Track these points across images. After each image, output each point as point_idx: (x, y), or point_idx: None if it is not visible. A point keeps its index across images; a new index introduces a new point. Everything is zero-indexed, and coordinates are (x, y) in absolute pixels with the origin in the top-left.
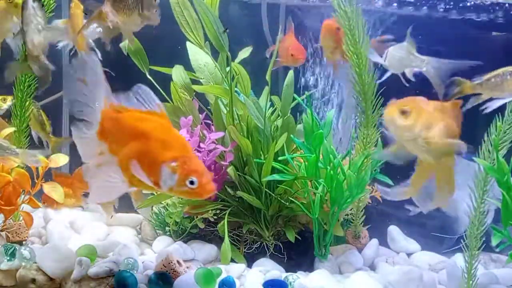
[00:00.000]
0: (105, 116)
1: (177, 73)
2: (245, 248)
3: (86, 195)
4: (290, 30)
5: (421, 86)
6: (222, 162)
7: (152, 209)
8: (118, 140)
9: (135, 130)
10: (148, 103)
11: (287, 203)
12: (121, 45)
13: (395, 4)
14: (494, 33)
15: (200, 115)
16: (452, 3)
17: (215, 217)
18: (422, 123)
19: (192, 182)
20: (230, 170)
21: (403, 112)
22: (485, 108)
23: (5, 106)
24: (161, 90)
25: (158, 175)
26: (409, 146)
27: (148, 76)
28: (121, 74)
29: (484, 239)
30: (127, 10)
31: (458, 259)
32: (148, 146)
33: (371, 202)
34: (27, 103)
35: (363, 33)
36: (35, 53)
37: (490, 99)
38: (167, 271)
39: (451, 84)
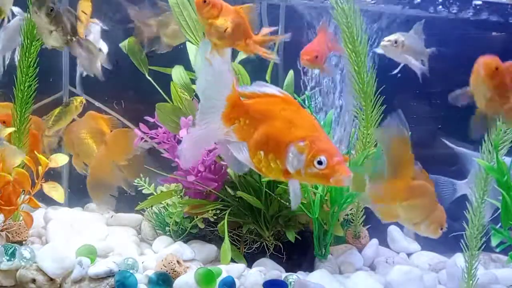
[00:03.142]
0: (234, 102)
1: (177, 73)
2: (245, 248)
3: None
4: (322, 31)
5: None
6: (222, 162)
7: (152, 209)
8: (247, 127)
9: (264, 114)
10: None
11: (287, 203)
12: (121, 44)
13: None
14: (494, 33)
15: None
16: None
17: (215, 217)
18: None
19: (320, 162)
20: (230, 170)
21: None
22: None
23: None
24: (160, 90)
25: (285, 157)
26: None
27: (147, 77)
28: (122, 74)
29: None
30: None
31: (458, 259)
32: (274, 127)
33: None
34: (27, 104)
35: (360, 30)
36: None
37: None
38: (167, 271)
39: None
